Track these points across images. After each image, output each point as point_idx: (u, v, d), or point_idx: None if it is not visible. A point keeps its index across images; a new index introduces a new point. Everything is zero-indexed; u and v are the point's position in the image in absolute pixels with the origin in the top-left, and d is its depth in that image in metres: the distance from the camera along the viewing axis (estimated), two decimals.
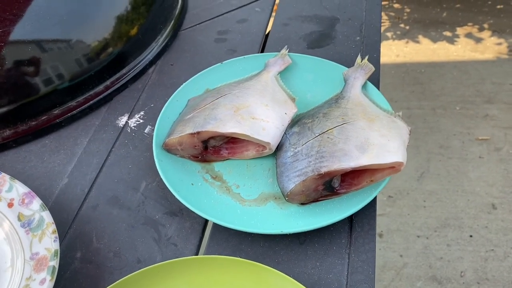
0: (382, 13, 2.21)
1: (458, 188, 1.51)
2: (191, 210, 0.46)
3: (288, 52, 0.63)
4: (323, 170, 0.45)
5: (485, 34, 2.11)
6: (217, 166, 0.53)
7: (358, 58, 0.60)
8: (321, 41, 0.69)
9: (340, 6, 0.75)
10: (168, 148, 0.52)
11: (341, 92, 0.57)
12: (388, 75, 1.92)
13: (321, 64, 0.62)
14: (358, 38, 0.69)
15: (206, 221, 0.49)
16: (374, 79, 0.60)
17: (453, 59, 1.98)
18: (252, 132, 0.50)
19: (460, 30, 2.14)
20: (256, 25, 0.73)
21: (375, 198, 0.48)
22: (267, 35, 0.72)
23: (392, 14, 2.25)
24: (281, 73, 0.60)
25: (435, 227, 1.41)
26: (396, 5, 2.31)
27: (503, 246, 1.35)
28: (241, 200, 0.49)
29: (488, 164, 1.57)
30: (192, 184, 0.50)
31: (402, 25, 2.18)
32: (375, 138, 0.48)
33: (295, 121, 0.54)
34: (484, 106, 1.77)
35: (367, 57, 0.60)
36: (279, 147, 0.51)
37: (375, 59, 0.65)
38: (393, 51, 2.04)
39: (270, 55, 0.63)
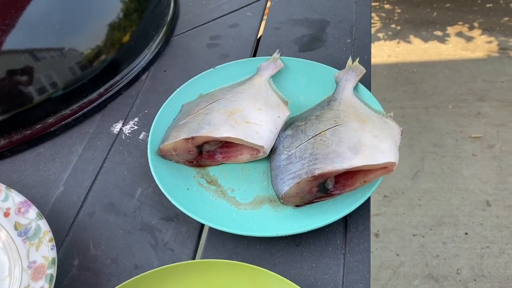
0: (373, 14, 2.23)
1: (453, 186, 1.52)
2: (187, 215, 0.47)
3: (280, 55, 0.64)
4: (317, 172, 0.46)
5: (476, 32, 2.13)
6: (212, 171, 0.53)
7: (349, 60, 0.61)
8: (312, 44, 0.70)
9: (330, 9, 0.76)
10: (163, 154, 0.52)
11: (333, 94, 0.57)
12: (380, 76, 1.94)
13: (313, 67, 0.63)
14: (348, 40, 0.69)
15: (202, 225, 0.49)
16: (366, 81, 0.61)
17: (445, 58, 2.00)
18: (246, 136, 0.50)
19: (450, 30, 2.16)
20: (247, 30, 0.74)
21: (369, 199, 0.48)
22: (258, 39, 0.73)
23: (383, 15, 2.27)
24: (274, 77, 0.61)
25: (430, 225, 1.42)
26: (386, 6, 2.33)
27: (498, 243, 1.36)
28: (236, 203, 0.49)
29: (481, 162, 1.58)
30: (188, 189, 0.50)
31: (393, 26, 2.20)
32: (368, 139, 0.49)
33: (288, 124, 0.55)
34: (476, 104, 1.78)
35: (358, 59, 0.60)
36: (273, 150, 0.52)
37: (366, 61, 0.65)
38: (385, 51, 2.05)
39: (262, 59, 0.63)
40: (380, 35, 2.15)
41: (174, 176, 0.51)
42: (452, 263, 1.33)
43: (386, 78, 1.92)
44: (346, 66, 0.60)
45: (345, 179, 0.49)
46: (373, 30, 2.19)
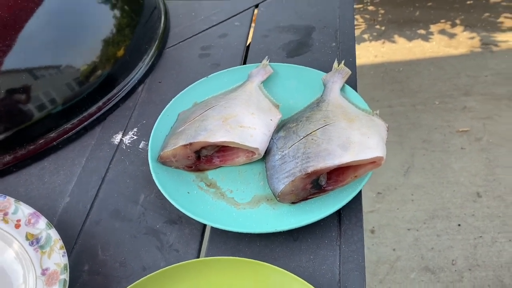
0: (358, 16, 2.28)
1: (443, 180, 1.56)
2: (189, 217, 0.49)
3: (269, 62, 0.67)
4: (310, 169, 0.49)
5: (458, 29, 2.19)
6: (211, 174, 0.56)
7: (335, 63, 0.64)
8: (299, 49, 0.73)
9: (315, 15, 0.79)
10: (163, 161, 0.55)
11: (321, 96, 0.60)
12: (367, 76, 1.98)
13: (301, 71, 0.66)
14: (334, 44, 0.73)
15: (204, 226, 0.52)
16: (352, 82, 0.64)
17: (429, 56, 2.05)
18: (241, 139, 0.53)
19: (433, 27, 2.21)
20: (237, 39, 0.77)
21: (360, 192, 0.51)
22: (248, 47, 0.76)
23: (367, 16, 2.32)
24: (264, 82, 0.64)
25: (424, 219, 1.45)
26: (370, 8, 2.38)
27: (490, 232, 1.40)
28: (235, 204, 0.52)
29: (470, 155, 1.63)
30: (188, 192, 0.53)
31: (377, 26, 2.25)
32: (356, 136, 0.52)
33: (281, 126, 0.58)
34: (461, 99, 1.83)
35: (343, 62, 0.64)
36: (267, 152, 0.55)
37: (351, 63, 0.69)
38: (371, 52, 2.10)
39: (253, 66, 0.66)
40: (365, 36, 2.20)
41: (175, 181, 0.54)
42: (447, 254, 1.36)
43: (373, 78, 1.96)
44: (333, 69, 0.64)
45: (337, 175, 0.52)
46: (358, 31, 2.24)
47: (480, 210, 1.46)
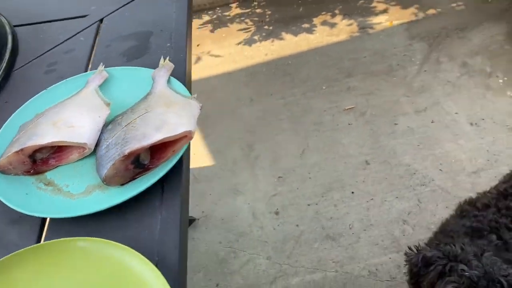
0: (248, 20, 2.41)
1: (335, 155, 1.70)
2: (28, 215, 0.54)
3: (109, 67, 0.73)
4: (127, 151, 0.56)
5: (337, 19, 2.38)
6: (49, 175, 0.61)
7: (161, 60, 0.72)
8: (138, 53, 0.80)
9: (154, 22, 0.87)
10: (1, 170, 0.59)
11: (150, 89, 0.68)
12: (260, 73, 2.10)
13: (135, 71, 0.73)
14: (168, 44, 0.81)
15: (44, 220, 0.57)
16: (181, 73, 0.72)
17: (314, 47, 2.22)
18: (69, 138, 0.59)
19: (316, 20, 2.39)
20: (81, 53, 0.82)
21: (180, 164, 0.59)
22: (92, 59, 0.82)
23: (256, 19, 2.46)
24: (103, 86, 0.70)
25: (321, 193, 1.58)
26: (258, 10, 2.52)
27: (379, 194, 1.55)
28: (71, 195, 0.58)
29: (357, 129, 1.79)
30: (27, 193, 0.58)
31: (266, 27, 2.39)
32: (171, 118, 0.59)
33: (110, 121, 0.64)
34: (345, 81, 2.00)
35: (168, 58, 0.72)
36: (97, 145, 0.61)
37: (182, 59, 0.77)
38: (262, 51, 2.23)
39: (90, 73, 0.73)
40: (256, 37, 2.33)
41: (13, 186, 0.59)
42: (344, 221, 1.49)
43: (265, 75, 2.09)
44: (159, 65, 0.71)
45: (160, 153, 0.59)
46: (249, 34, 2.36)
47: (369, 176, 1.61)
